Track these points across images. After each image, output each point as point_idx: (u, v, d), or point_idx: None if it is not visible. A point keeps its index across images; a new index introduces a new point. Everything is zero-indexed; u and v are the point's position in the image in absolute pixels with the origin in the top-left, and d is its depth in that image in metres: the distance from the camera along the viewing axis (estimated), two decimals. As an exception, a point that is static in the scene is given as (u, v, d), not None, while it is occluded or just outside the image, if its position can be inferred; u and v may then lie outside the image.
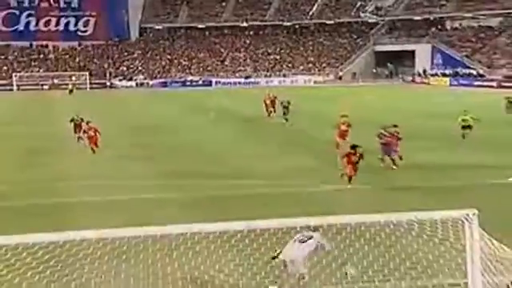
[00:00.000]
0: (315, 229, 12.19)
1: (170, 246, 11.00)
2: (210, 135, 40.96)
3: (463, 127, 35.10)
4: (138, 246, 9.83)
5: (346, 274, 12.50)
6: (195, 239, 10.53)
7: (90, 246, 10.21)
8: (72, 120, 37.44)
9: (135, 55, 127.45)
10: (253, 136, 40.33)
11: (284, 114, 45.81)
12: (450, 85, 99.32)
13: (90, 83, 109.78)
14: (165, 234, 9.14)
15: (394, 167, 27.10)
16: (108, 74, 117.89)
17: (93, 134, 33.27)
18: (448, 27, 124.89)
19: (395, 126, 29.04)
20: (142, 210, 19.81)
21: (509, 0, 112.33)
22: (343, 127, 32.52)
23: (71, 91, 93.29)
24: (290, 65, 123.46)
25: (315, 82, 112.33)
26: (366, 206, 19.26)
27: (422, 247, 12.34)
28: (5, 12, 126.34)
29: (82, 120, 36.12)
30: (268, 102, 49.49)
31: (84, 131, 34.63)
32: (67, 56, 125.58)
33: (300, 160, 30.17)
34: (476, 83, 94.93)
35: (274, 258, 12.12)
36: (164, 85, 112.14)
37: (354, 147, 23.86)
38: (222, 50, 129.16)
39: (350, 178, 23.55)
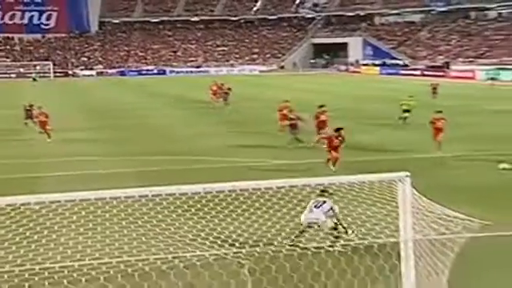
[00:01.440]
0: (322, 194, 12.68)
1: (133, 208, 10.89)
2: (164, 118, 40.65)
3: (404, 111, 34.46)
4: (103, 207, 9.64)
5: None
6: (156, 200, 10.38)
7: (58, 207, 9.98)
8: (24, 108, 35.10)
9: (95, 47, 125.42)
10: (202, 118, 40.20)
11: (225, 99, 46.22)
12: (380, 74, 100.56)
13: (54, 72, 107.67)
14: (128, 196, 8.95)
15: (301, 145, 26.83)
16: (70, 64, 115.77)
17: (44, 118, 31.24)
18: (377, 22, 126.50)
19: (322, 106, 29.23)
20: (109, 181, 19.47)
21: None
22: (285, 111, 32.56)
23: (34, 79, 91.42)
24: (237, 55, 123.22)
25: (260, 71, 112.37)
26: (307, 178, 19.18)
27: (359, 206, 12.44)
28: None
29: (32, 107, 34.23)
30: (215, 88, 49.51)
31: (36, 116, 32.49)
32: (32, 47, 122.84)
33: (246, 139, 30.22)
34: (402, 72, 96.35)
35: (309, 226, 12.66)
36: (122, 74, 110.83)
37: (338, 130, 22.13)
38: (175, 42, 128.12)
39: (335, 161, 21.69)
